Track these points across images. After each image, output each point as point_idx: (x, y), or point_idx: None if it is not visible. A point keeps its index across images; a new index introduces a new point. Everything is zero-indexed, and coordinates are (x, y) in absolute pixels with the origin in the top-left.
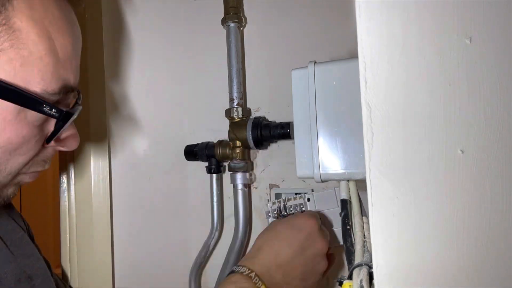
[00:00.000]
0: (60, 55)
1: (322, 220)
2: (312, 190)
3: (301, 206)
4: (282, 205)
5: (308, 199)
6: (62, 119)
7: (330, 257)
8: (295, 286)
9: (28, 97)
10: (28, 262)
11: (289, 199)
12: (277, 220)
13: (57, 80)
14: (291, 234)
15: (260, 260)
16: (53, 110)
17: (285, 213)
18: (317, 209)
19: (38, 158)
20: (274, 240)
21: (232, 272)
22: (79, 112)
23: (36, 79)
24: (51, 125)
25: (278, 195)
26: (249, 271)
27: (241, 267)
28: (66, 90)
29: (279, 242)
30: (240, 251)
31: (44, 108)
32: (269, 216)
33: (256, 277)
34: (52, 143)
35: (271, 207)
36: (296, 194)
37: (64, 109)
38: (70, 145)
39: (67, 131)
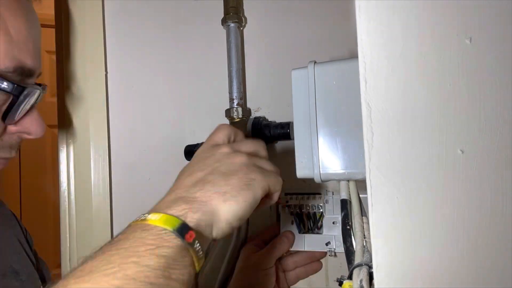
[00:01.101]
0: (14, 36)
1: None
2: (333, 193)
3: (319, 206)
4: (298, 203)
5: (327, 201)
6: (16, 94)
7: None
8: (216, 184)
9: None
10: (16, 259)
11: (303, 198)
12: None
13: (11, 59)
14: (196, 160)
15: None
16: (4, 83)
17: (301, 211)
18: (335, 212)
19: (3, 144)
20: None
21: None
22: (39, 95)
23: None
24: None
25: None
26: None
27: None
28: (22, 71)
29: (183, 173)
30: (239, 251)
31: None
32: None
33: (143, 215)
34: (15, 128)
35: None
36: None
37: (17, 84)
38: (35, 131)
39: (29, 115)
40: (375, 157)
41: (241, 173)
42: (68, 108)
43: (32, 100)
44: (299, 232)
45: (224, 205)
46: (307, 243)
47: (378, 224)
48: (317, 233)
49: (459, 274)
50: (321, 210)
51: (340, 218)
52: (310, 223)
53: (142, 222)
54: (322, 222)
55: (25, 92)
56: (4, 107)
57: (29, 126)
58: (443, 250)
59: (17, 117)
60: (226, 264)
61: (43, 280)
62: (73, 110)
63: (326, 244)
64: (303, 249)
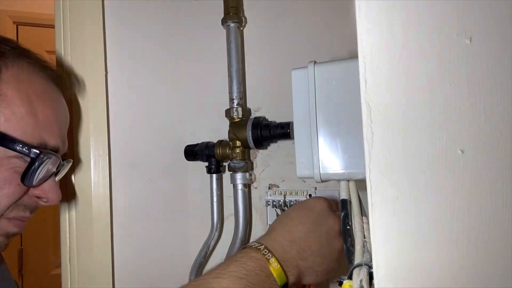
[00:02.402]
0: (40, 118)
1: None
2: (316, 188)
3: None
4: (283, 198)
5: (310, 195)
6: (33, 157)
7: None
8: (313, 262)
9: (5, 136)
10: None
11: (290, 193)
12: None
13: (36, 137)
14: (302, 213)
15: (272, 237)
16: (25, 147)
17: (285, 207)
18: None
19: (20, 203)
20: (286, 220)
21: (243, 247)
22: (59, 164)
23: (17, 132)
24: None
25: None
26: (259, 244)
27: (252, 243)
28: (45, 147)
29: (291, 221)
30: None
31: (17, 146)
32: (269, 204)
33: (266, 249)
34: (36, 191)
35: (270, 196)
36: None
37: (34, 148)
38: (51, 198)
39: (47, 182)
40: (375, 157)
41: (333, 261)
42: (68, 108)
43: (48, 166)
44: None
45: (310, 279)
46: None
47: (378, 224)
48: None
49: (459, 274)
50: None
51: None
52: None
53: (265, 260)
54: None
55: (41, 156)
56: (22, 169)
57: (46, 192)
58: (443, 250)
59: (35, 181)
60: None
61: None
62: (73, 110)
63: None
64: None
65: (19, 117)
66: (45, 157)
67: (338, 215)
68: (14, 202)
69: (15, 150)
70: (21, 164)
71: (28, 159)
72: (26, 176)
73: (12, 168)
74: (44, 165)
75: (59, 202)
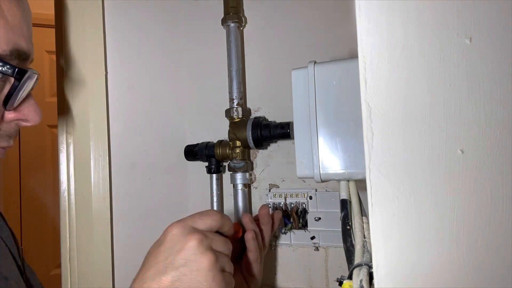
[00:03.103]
0: (9, 20)
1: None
2: (316, 190)
3: (303, 204)
4: (283, 200)
5: (310, 197)
6: (18, 77)
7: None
8: None
9: None
10: (4, 263)
11: (290, 195)
12: None
13: (8, 42)
14: (155, 252)
15: None
16: (7, 66)
17: (287, 208)
18: (319, 209)
19: (2, 133)
20: (141, 270)
21: None
22: (37, 79)
23: None
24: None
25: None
26: None
27: None
28: (18, 54)
29: (143, 267)
30: None
31: None
32: (269, 207)
33: None
34: (12, 115)
35: (271, 198)
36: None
37: (17, 67)
38: (33, 118)
39: (26, 102)
40: (375, 157)
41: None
42: (68, 108)
43: (31, 84)
44: (285, 227)
45: None
46: (293, 237)
47: (378, 224)
48: (302, 228)
49: (459, 274)
50: (304, 205)
51: (324, 214)
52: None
53: None
54: (306, 217)
55: (26, 76)
56: (5, 92)
57: (26, 112)
58: (443, 249)
59: (16, 102)
60: None
61: None
62: (73, 110)
63: (311, 238)
64: (289, 244)
65: None
66: (29, 76)
67: (193, 230)
68: None
69: None
70: None
71: (5, 77)
72: (9, 100)
73: None
74: (27, 84)
75: (40, 121)
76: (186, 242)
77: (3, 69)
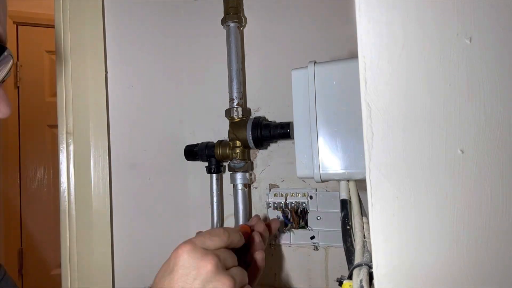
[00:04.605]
0: None
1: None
2: (316, 190)
3: (304, 204)
4: (284, 199)
5: (311, 197)
6: None
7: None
8: None
9: None
10: None
11: (291, 194)
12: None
13: None
14: (168, 279)
15: None
16: None
17: (287, 208)
18: (319, 209)
19: None
20: None
21: None
22: (11, 65)
23: None
24: None
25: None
26: None
27: None
28: None
29: None
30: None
31: None
32: (270, 206)
33: None
34: None
35: (271, 198)
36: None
37: None
38: (4, 111)
39: None
40: (375, 157)
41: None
42: (68, 108)
43: (5, 70)
44: (285, 226)
45: None
46: (293, 237)
47: (378, 224)
48: (302, 228)
49: (459, 274)
50: (304, 205)
51: (324, 214)
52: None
53: None
54: (307, 217)
55: (1, 56)
56: None
57: None
58: (443, 249)
59: None
60: None
61: None
62: (73, 110)
63: (311, 238)
64: (289, 244)
65: None
66: (5, 58)
67: (201, 250)
68: None
69: None
70: None
71: None
72: None
73: None
74: (2, 68)
75: (10, 114)
76: (200, 268)
77: None
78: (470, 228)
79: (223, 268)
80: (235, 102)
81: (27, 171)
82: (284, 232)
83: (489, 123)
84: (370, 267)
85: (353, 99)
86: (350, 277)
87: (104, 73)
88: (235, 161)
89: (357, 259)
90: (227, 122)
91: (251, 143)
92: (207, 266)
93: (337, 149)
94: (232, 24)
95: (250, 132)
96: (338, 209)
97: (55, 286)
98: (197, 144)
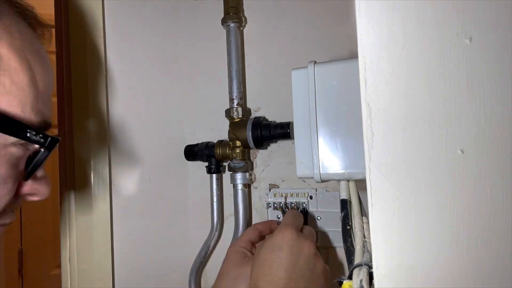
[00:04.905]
0: (40, 88)
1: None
2: (316, 190)
3: (304, 204)
4: (284, 199)
5: (311, 197)
6: (48, 146)
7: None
8: None
9: (11, 121)
10: None
11: (291, 194)
12: (257, 249)
13: (36, 114)
14: (276, 257)
15: None
16: (39, 135)
17: (286, 209)
18: (319, 209)
19: (11, 208)
20: (263, 272)
21: None
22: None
23: (16, 111)
24: (23, 164)
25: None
26: None
27: None
28: (45, 126)
29: (270, 271)
30: None
31: (28, 134)
32: (270, 206)
33: None
34: (28, 187)
35: (271, 198)
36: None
37: (50, 136)
38: (44, 193)
39: (40, 174)
40: (375, 157)
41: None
42: (68, 108)
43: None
44: None
45: None
46: None
47: (378, 224)
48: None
49: (459, 274)
50: (304, 205)
51: (324, 214)
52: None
53: None
54: (307, 217)
55: (57, 144)
56: (18, 160)
57: (38, 186)
58: (443, 249)
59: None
60: None
61: None
62: (73, 110)
63: None
64: None
65: (20, 88)
66: (54, 144)
67: (308, 235)
68: (7, 204)
69: (21, 137)
70: (17, 153)
71: (27, 147)
72: (31, 169)
73: (9, 160)
74: (49, 154)
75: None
76: (304, 247)
77: (36, 138)
78: (470, 228)
79: (304, 236)
80: (235, 102)
81: None
82: None
83: (489, 123)
84: (370, 267)
85: (353, 99)
86: (350, 277)
87: (104, 73)
88: (235, 161)
89: (357, 259)
90: (227, 122)
91: (251, 143)
92: (310, 246)
93: (337, 149)
94: (232, 24)
95: (250, 132)
96: (338, 209)
97: (55, 286)
98: (197, 144)
